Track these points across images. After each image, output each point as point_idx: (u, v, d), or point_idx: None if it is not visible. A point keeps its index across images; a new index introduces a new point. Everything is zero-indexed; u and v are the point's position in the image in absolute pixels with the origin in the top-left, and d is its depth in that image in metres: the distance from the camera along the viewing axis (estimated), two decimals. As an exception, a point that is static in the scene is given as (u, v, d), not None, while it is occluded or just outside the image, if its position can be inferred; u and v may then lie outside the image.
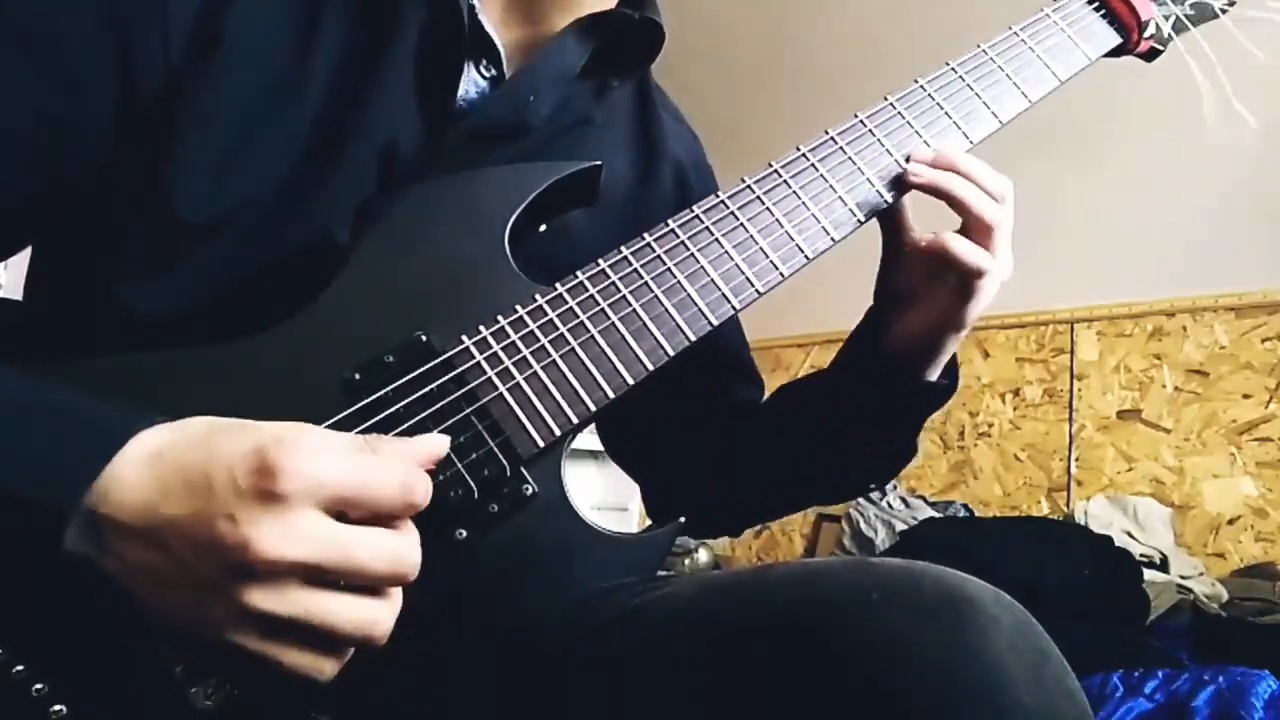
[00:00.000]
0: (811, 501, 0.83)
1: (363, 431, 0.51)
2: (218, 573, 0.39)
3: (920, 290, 0.68)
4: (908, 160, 0.66)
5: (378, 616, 0.42)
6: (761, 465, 0.77)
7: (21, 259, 0.62)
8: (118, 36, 0.53)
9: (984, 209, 0.64)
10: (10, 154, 0.52)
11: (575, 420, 0.55)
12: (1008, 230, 0.65)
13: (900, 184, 0.66)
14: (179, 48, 0.55)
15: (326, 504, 0.40)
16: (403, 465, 0.43)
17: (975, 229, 0.64)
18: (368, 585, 0.41)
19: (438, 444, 0.47)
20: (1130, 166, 2.32)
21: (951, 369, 0.71)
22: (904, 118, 0.67)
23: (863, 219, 0.65)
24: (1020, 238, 0.66)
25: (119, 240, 0.55)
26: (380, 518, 0.42)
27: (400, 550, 0.42)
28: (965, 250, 0.63)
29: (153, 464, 0.41)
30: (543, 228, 0.63)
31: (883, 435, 0.73)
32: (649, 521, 0.70)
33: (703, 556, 2.76)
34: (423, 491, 0.43)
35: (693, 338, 0.59)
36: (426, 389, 0.53)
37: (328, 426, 0.51)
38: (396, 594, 0.43)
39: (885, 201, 0.66)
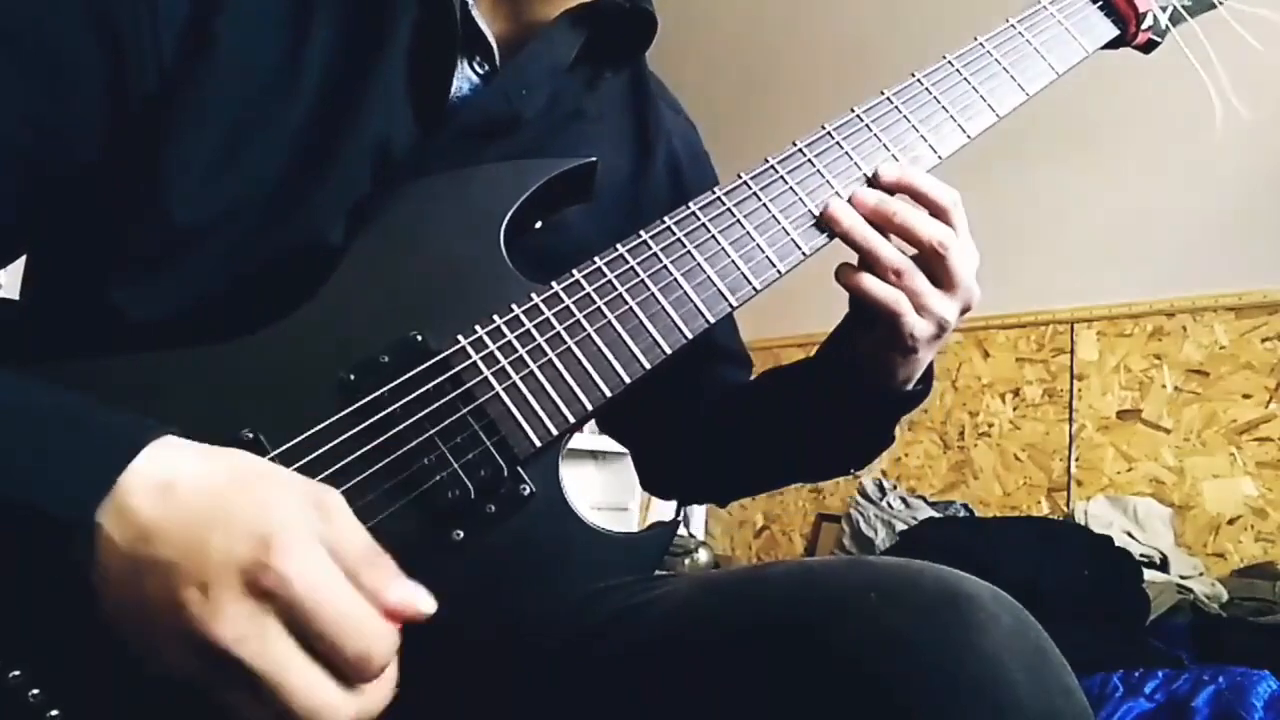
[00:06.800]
0: (793, 480, 0.84)
1: (359, 431, 0.51)
2: (167, 629, 0.38)
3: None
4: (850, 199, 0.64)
5: None
6: (744, 442, 0.77)
7: (20, 259, 0.62)
8: (106, 36, 0.53)
9: (890, 257, 0.61)
10: None
11: (572, 420, 0.55)
12: (926, 275, 0.62)
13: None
14: (170, 47, 0.54)
15: (290, 621, 0.39)
16: (380, 639, 0.41)
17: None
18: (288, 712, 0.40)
19: (428, 607, 0.44)
20: (1130, 166, 2.32)
21: (927, 372, 0.69)
22: (901, 111, 0.67)
23: None
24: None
25: (113, 242, 0.55)
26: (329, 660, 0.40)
27: (329, 705, 0.40)
28: (871, 288, 0.61)
29: (162, 495, 0.40)
30: (538, 224, 0.63)
31: (854, 429, 0.72)
32: (649, 521, 0.70)
33: (702, 556, 2.76)
34: (375, 672, 0.41)
35: (690, 336, 0.58)
36: (422, 389, 0.53)
37: (323, 428, 0.51)
38: None
39: None
